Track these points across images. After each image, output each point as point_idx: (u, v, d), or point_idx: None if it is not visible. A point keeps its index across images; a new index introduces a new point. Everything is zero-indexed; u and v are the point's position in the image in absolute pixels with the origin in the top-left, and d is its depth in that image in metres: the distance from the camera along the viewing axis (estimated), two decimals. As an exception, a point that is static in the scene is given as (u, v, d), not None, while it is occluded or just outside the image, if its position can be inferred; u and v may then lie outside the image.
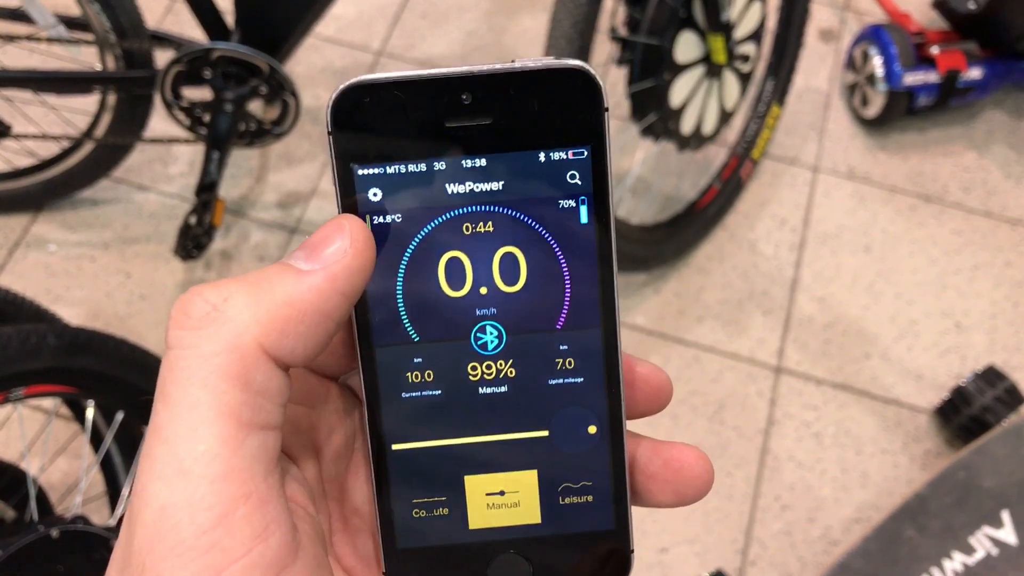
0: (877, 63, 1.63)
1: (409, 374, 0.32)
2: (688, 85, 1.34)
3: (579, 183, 0.32)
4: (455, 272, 0.32)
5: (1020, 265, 1.61)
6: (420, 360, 0.32)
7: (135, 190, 1.59)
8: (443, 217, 0.32)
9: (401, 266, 0.32)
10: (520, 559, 0.33)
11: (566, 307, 0.32)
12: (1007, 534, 1.23)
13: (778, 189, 1.67)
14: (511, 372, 0.33)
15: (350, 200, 0.32)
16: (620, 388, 0.33)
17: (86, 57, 1.34)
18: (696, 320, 1.53)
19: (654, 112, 1.31)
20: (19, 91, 1.35)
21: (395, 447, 0.32)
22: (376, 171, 0.31)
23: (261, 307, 0.28)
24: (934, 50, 1.62)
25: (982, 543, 1.23)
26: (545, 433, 0.33)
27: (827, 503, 1.40)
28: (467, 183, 0.32)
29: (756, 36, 1.43)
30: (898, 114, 1.65)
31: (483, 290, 0.32)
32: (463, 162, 0.31)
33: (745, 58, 1.39)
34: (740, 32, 1.38)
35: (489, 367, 0.33)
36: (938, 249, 1.62)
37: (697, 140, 1.43)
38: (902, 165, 1.71)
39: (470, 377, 0.33)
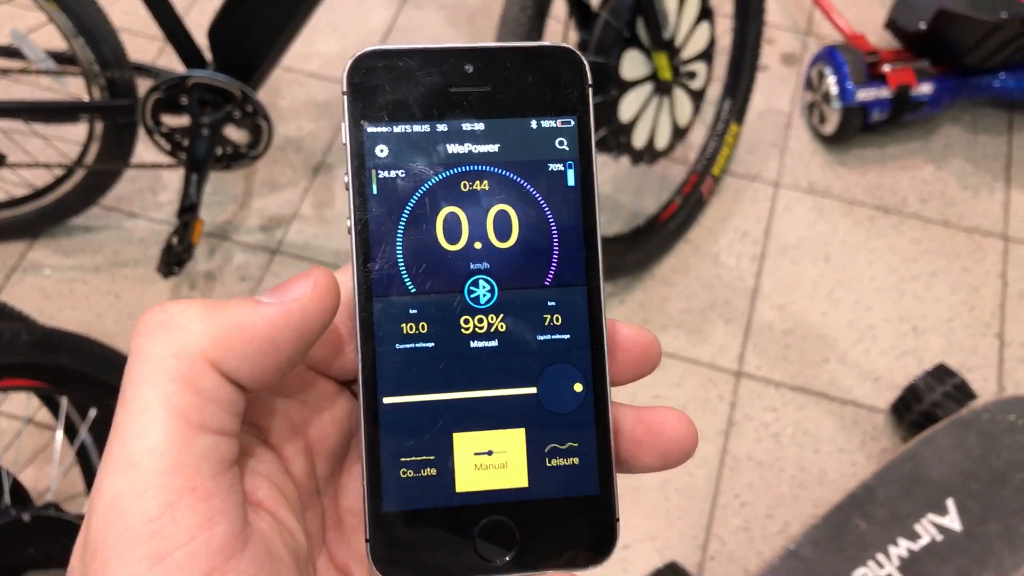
0: (831, 81, 1.70)
1: (404, 325, 0.34)
2: (637, 101, 1.41)
3: (567, 149, 0.35)
4: (452, 227, 0.34)
5: (976, 271, 1.66)
6: (415, 312, 0.34)
7: (125, 217, 1.68)
8: (443, 175, 0.34)
9: (402, 220, 0.34)
10: (507, 525, 0.33)
11: (554, 264, 0.34)
12: (951, 521, 1.27)
13: (740, 204, 1.73)
14: (501, 326, 0.34)
15: (359, 156, 0.34)
16: (604, 348, 0.35)
17: (73, 88, 1.44)
18: (660, 329, 1.58)
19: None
20: (12, 122, 1.44)
21: (386, 400, 0.33)
22: (384, 129, 0.34)
23: (212, 322, 0.30)
24: (886, 68, 1.69)
25: (927, 529, 1.27)
26: (533, 390, 0.34)
27: (785, 500, 1.44)
28: (466, 144, 0.34)
29: (706, 55, 1.51)
30: (854, 130, 1.72)
31: (477, 245, 0.34)
32: (463, 125, 0.34)
33: (692, 75, 1.46)
34: (688, 51, 1.46)
35: (481, 321, 0.34)
36: (896, 257, 1.68)
37: (651, 154, 1.50)
38: (861, 179, 1.77)
39: (463, 330, 0.34)
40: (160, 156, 1.51)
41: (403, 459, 0.33)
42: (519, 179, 0.34)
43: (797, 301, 1.62)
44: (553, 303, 0.34)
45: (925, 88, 1.69)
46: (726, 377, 1.54)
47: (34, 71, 1.39)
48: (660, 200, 1.66)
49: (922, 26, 1.66)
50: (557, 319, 0.34)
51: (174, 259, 1.44)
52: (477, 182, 0.34)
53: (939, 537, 1.26)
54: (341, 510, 0.34)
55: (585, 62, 0.35)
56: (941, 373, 1.44)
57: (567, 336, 0.34)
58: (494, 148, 0.34)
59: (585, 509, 0.34)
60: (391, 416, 0.33)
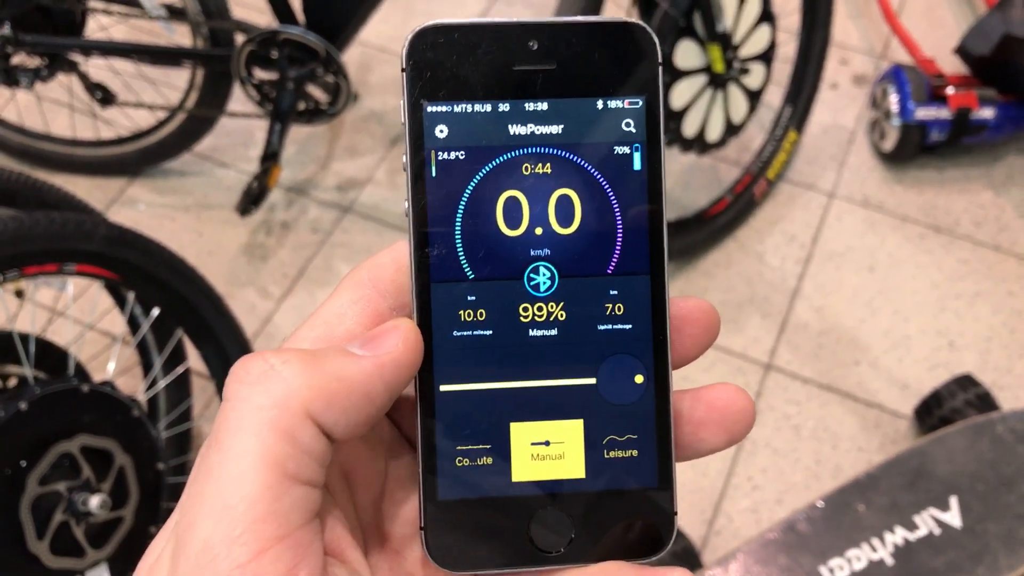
0: (893, 99, 1.74)
1: (462, 312, 0.33)
2: (689, 90, 1.49)
3: (634, 131, 0.33)
4: (512, 211, 0.33)
5: (1023, 296, 1.67)
6: (473, 298, 0.33)
7: (217, 166, 1.83)
8: (504, 157, 0.33)
9: (461, 203, 0.33)
10: (562, 515, 0.33)
11: (617, 252, 0.33)
12: (952, 517, 1.29)
13: (792, 209, 1.78)
14: (561, 315, 0.33)
15: (418, 136, 0.33)
16: (667, 338, 0.34)
17: (180, 38, 1.60)
18: (696, 316, 1.64)
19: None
20: (125, 62, 1.61)
21: (443, 388, 0.33)
22: (444, 108, 0.33)
23: (314, 375, 0.30)
24: (949, 90, 1.72)
25: (926, 522, 1.29)
26: (592, 381, 0.33)
27: (797, 488, 1.47)
28: (528, 125, 0.33)
29: (765, 57, 1.58)
30: (912, 148, 1.75)
31: (538, 230, 0.33)
32: (526, 105, 0.33)
33: (745, 71, 1.53)
34: (746, 50, 1.53)
35: (540, 309, 0.33)
36: (942, 275, 1.70)
37: (701, 145, 1.57)
38: (917, 198, 1.80)
39: (521, 318, 0.33)
40: (250, 107, 1.65)
41: (459, 447, 0.33)
42: (583, 162, 0.33)
43: (836, 305, 1.66)
44: (615, 292, 0.33)
45: (987, 113, 1.71)
46: (755, 368, 1.59)
47: (148, 18, 1.56)
48: (711, 195, 1.73)
49: (987, 51, 1.69)
50: (619, 308, 0.33)
51: (251, 199, 1.58)
52: (539, 165, 0.33)
53: (937, 531, 1.28)
54: (382, 536, 0.35)
55: (656, 39, 0.33)
56: (966, 382, 1.46)
57: (629, 326, 0.33)
58: (558, 129, 0.33)
59: (642, 501, 0.33)
60: (448, 404, 0.33)
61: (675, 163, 1.80)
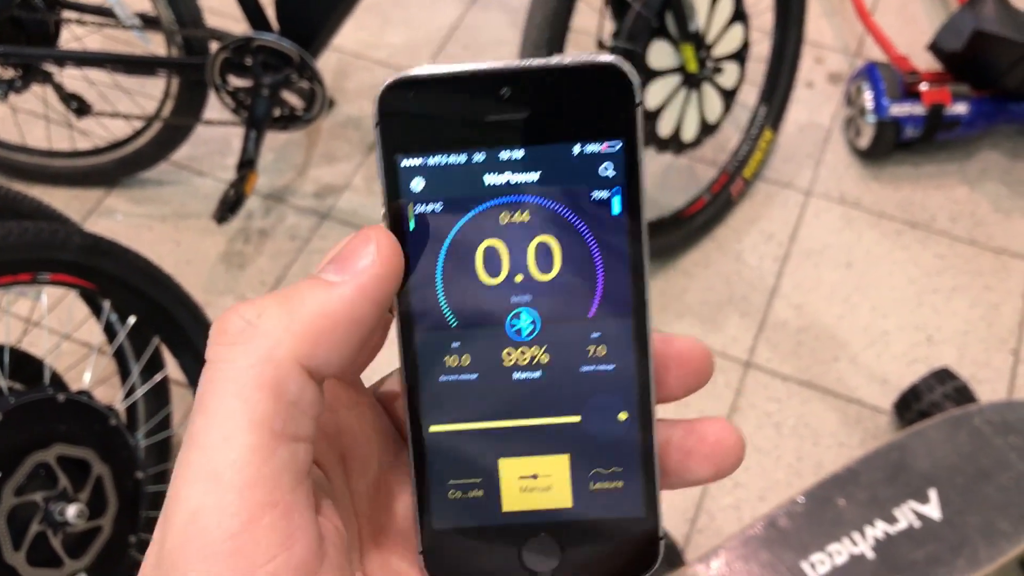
0: (867, 96, 1.75)
1: (447, 358, 0.34)
2: (664, 90, 1.50)
3: (612, 175, 0.33)
4: (492, 260, 0.33)
5: (999, 289, 1.68)
6: (457, 345, 0.34)
7: (195, 175, 1.83)
8: (481, 207, 0.33)
9: (441, 254, 0.33)
10: (552, 541, 0.34)
11: (598, 296, 0.33)
12: (932, 510, 1.30)
13: (769, 208, 1.79)
14: (544, 358, 0.34)
15: (394, 190, 0.33)
16: (650, 377, 0.34)
17: (154, 47, 1.60)
18: (676, 316, 1.65)
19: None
20: (99, 72, 1.61)
21: (432, 429, 0.34)
22: (419, 161, 0.33)
23: (294, 320, 0.29)
24: (923, 87, 1.74)
25: (906, 515, 1.29)
26: (577, 419, 0.34)
27: (779, 486, 1.48)
28: (505, 174, 0.33)
29: (739, 56, 1.59)
30: (887, 144, 1.77)
31: (518, 278, 0.33)
32: (501, 154, 0.33)
33: (719, 70, 1.54)
34: (720, 50, 1.54)
35: (523, 353, 0.34)
36: (919, 270, 1.71)
37: (677, 145, 1.58)
38: (893, 194, 1.81)
39: (505, 363, 0.34)
40: (225, 115, 1.65)
41: (451, 482, 0.34)
42: (561, 209, 0.33)
43: (814, 303, 1.67)
44: (597, 335, 0.34)
45: (960, 108, 1.73)
46: (735, 366, 1.59)
47: (122, 28, 1.55)
48: (688, 195, 1.73)
49: (960, 47, 1.70)
50: (601, 350, 0.34)
51: (228, 207, 1.58)
52: (517, 213, 0.33)
53: (917, 524, 1.29)
54: (375, 527, 0.34)
55: (633, 79, 0.32)
56: (944, 376, 1.47)
57: (612, 366, 0.34)
58: (535, 177, 0.33)
59: (628, 528, 0.34)
60: (437, 443, 0.34)
61: (652, 163, 1.81)
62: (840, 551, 1.27)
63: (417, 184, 0.33)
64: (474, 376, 0.34)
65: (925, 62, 1.89)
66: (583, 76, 0.32)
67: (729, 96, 1.61)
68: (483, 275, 0.33)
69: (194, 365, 1.31)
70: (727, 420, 0.34)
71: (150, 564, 0.29)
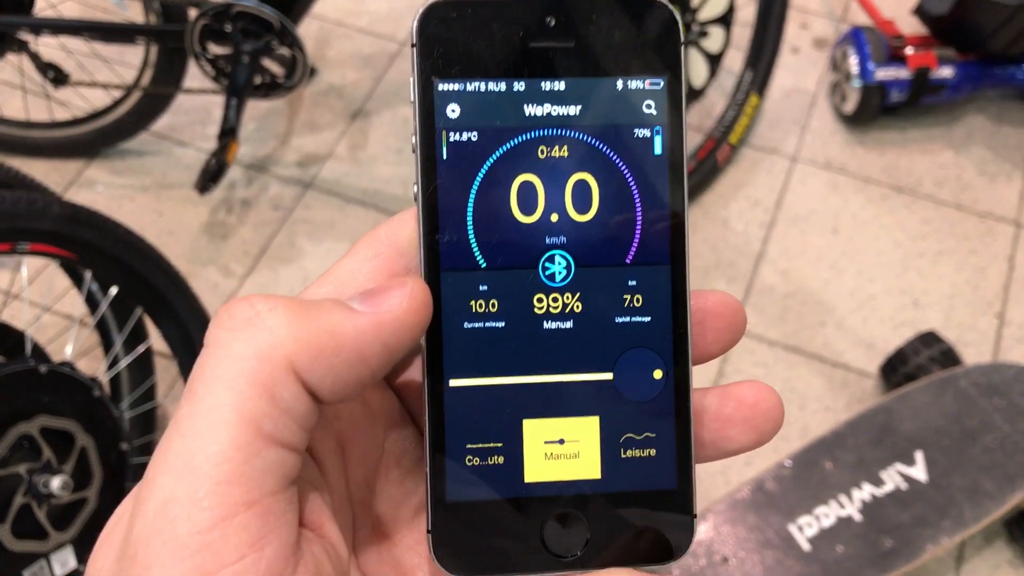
0: (853, 61, 1.74)
1: (473, 303, 0.32)
2: (649, 55, 1.48)
3: (655, 113, 0.32)
4: (527, 196, 0.32)
5: (984, 253, 1.69)
6: (485, 288, 0.31)
7: (175, 145, 1.81)
8: (519, 139, 0.32)
9: (473, 188, 0.31)
10: (578, 519, 0.31)
11: (636, 241, 0.32)
12: (918, 472, 1.31)
13: (755, 174, 1.78)
14: (577, 307, 0.32)
15: (428, 116, 0.31)
16: (687, 332, 0.32)
17: (132, 15, 1.57)
18: (662, 282, 1.64)
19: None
20: (76, 40, 1.58)
21: (453, 383, 0.31)
22: (456, 87, 0.31)
23: (302, 327, 0.28)
24: (908, 51, 1.73)
25: (892, 477, 1.30)
26: (609, 376, 0.32)
27: (765, 450, 1.48)
28: (545, 105, 0.32)
29: (724, 20, 1.58)
30: (873, 109, 1.76)
31: (554, 217, 0.32)
32: (542, 84, 0.32)
33: (704, 34, 1.53)
34: (705, 13, 1.53)
35: (555, 299, 0.32)
36: (904, 234, 1.71)
37: (662, 110, 1.57)
38: (879, 159, 1.80)
39: (535, 310, 0.32)
40: (206, 83, 1.63)
41: (469, 446, 0.31)
42: (601, 145, 0.32)
43: (801, 268, 1.67)
44: (634, 283, 0.32)
45: (946, 72, 1.72)
46: (722, 332, 1.59)
47: (98, -6, 1.53)
48: (675, 162, 1.72)
49: (945, 10, 1.69)
50: (638, 300, 0.32)
51: (209, 176, 1.56)
52: (556, 148, 0.32)
53: (904, 486, 1.29)
54: (374, 518, 0.32)
55: (678, 17, 0.32)
56: (929, 339, 1.47)
57: (648, 319, 0.32)
58: (575, 110, 0.32)
59: (660, 503, 0.32)
60: (457, 400, 0.31)
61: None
62: (827, 513, 1.28)
63: (453, 111, 0.31)
64: (501, 324, 0.32)
65: (911, 26, 1.88)
66: (631, 10, 0.32)
67: (715, 61, 1.60)
68: (517, 212, 0.32)
69: (177, 336, 1.29)
70: (762, 382, 0.32)
71: (112, 547, 0.27)
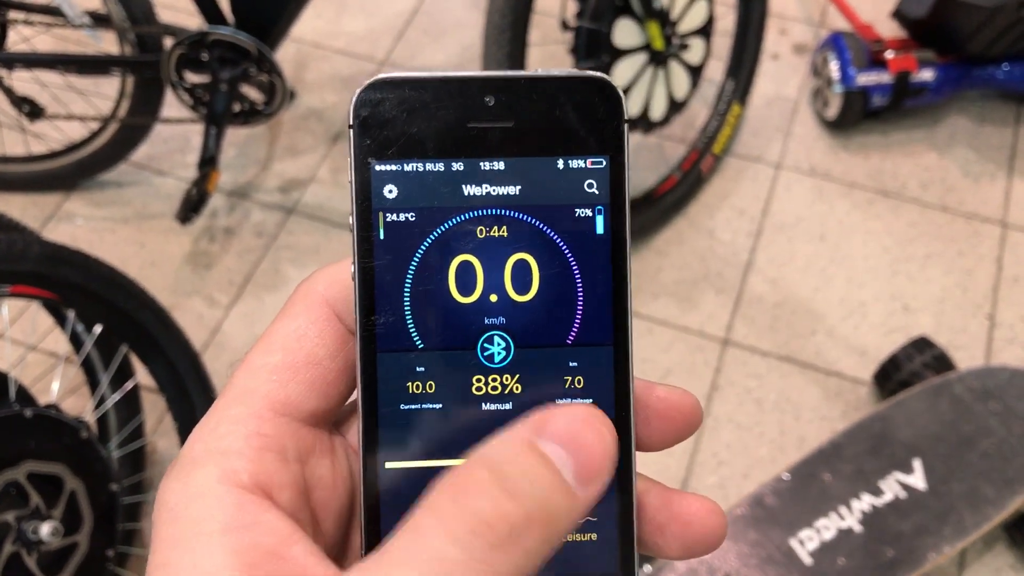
0: (834, 66, 1.74)
1: (410, 384, 0.31)
2: (631, 69, 1.47)
3: (596, 192, 0.31)
4: (466, 277, 0.31)
5: (972, 255, 1.68)
6: (423, 369, 0.31)
7: (155, 175, 1.78)
8: (457, 219, 0.31)
9: (411, 268, 0.31)
10: None
11: (578, 321, 0.31)
12: (917, 480, 1.30)
13: (740, 183, 1.78)
14: (517, 388, 0.31)
15: (364, 196, 0.31)
16: (630, 416, 0.32)
17: (107, 46, 1.55)
18: (652, 296, 1.64)
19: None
20: (51, 74, 1.56)
21: (388, 465, 0.31)
22: (393, 167, 0.31)
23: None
24: (888, 54, 1.73)
25: (891, 487, 1.29)
26: None
27: (763, 462, 1.47)
28: (484, 185, 0.31)
29: (704, 32, 1.57)
30: (856, 114, 1.76)
31: (493, 297, 0.31)
32: (481, 164, 0.31)
33: (685, 46, 1.52)
34: (685, 25, 1.52)
35: (494, 381, 0.31)
36: (892, 239, 1.71)
37: (646, 124, 1.56)
38: (863, 163, 1.80)
39: (474, 391, 0.31)
40: (184, 112, 1.61)
41: None
42: (542, 225, 0.31)
43: (790, 276, 1.66)
44: (575, 364, 0.31)
45: (926, 75, 1.72)
46: (713, 344, 1.58)
47: (72, 27, 1.51)
48: (659, 174, 1.72)
49: (924, 14, 1.70)
50: (579, 381, 0.31)
51: (190, 206, 1.54)
52: (496, 228, 0.31)
53: (903, 494, 1.29)
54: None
55: (622, 95, 0.32)
56: (922, 344, 1.47)
57: (589, 401, 0.31)
58: (515, 190, 0.31)
59: None
60: (393, 483, 0.31)
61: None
62: (828, 526, 1.27)
63: (390, 191, 0.31)
64: (439, 405, 0.31)
65: (890, 29, 1.88)
66: (572, 88, 0.31)
67: (696, 72, 1.59)
68: (455, 293, 0.31)
69: (164, 371, 1.27)
70: (710, 501, 0.31)
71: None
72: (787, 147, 1.83)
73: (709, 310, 1.62)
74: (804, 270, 1.67)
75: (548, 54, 1.94)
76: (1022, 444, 1.32)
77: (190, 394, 1.30)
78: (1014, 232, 1.71)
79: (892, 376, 1.46)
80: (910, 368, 1.44)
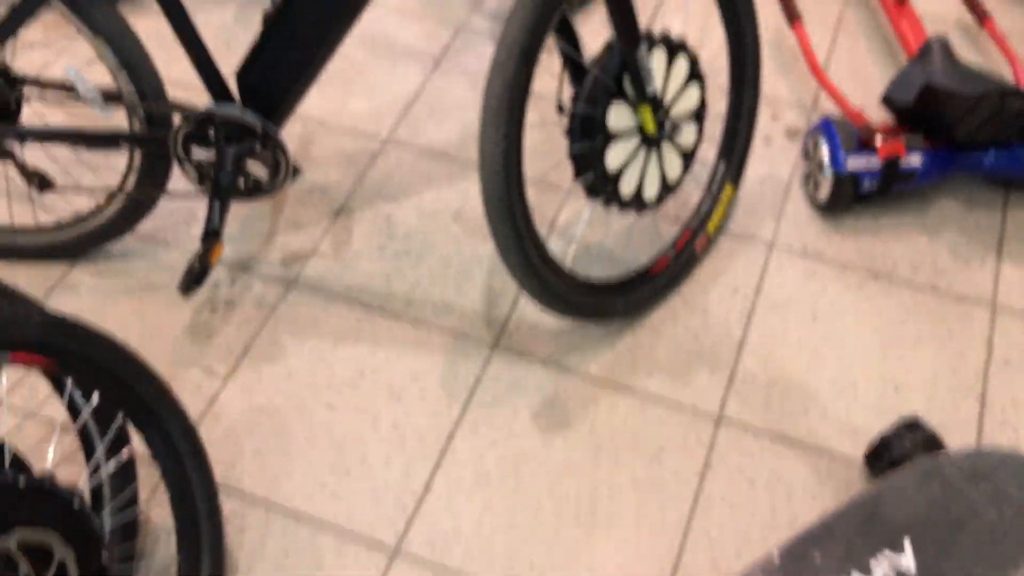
0: (824, 151, 1.78)
1: None
2: (624, 152, 1.52)
3: None
4: None
5: (962, 336, 1.70)
6: None
7: (160, 247, 1.82)
8: None
9: None
10: None
11: None
12: (907, 561, 1.30)
13: (733, 262, 1.81)
14: None
15: None
16: None
17: (117, 121, 1.60)
18: (646, 373, 1.65)
19: (591, 172, 1.49)
20: (62, 147, 1.61)
21: None
22: None
23: None
24: (877, 140, 1.77)
25: (882, 567, 1.29)
26: None
27: (754, 542, 1.47)
28: None
29: (696, 116, 1.62)
30: (846, 197, 1.79)
31: None
32: None
33: (677, 130, 1.56)
34: (677, 110, 1.57)
35: None
36: (883, 320, 1.73)
37: (638, 204, 1.60)
38: (854, 246, 1.83)
39: None
40: (190, 186, 1.65)
41: None
42: None
43: (782, 355, 1.68)
44: None
45: (915, 160, 1.76)
46: (706, 422, 1.59)
47: (85, 102, 1.56)
48: (653, 253, 1.75)
49: (911, 101, 1.74)
50: None
51: (193, 278, 1.57)
52: None
53: (892, 574, 1.28)
54: None
55: None
56: (913, 426, 1.47)
57: None
58: None
59: None
60: None
61: (615, 221, 1.83)
62: (818, 607, 1.26)
63: None
64: None
65: (879, 115, 1.93)
66: None
67: (688, 156, 1.64)
68: None
69: (160, 441, 1.29)
70: None
71: None
72: (780, 227, 1.86)
73: (703, 387, 1.63)
74: (796, 349, 1.69)
75: (545, 135, 1.99)
76: (1013, 526, 1.32)
77: (185, 464, 1.31)
78: (1004, 314, 1.73)
79: (883, 456, 1.47)
80: (900, 449, 1.45)
